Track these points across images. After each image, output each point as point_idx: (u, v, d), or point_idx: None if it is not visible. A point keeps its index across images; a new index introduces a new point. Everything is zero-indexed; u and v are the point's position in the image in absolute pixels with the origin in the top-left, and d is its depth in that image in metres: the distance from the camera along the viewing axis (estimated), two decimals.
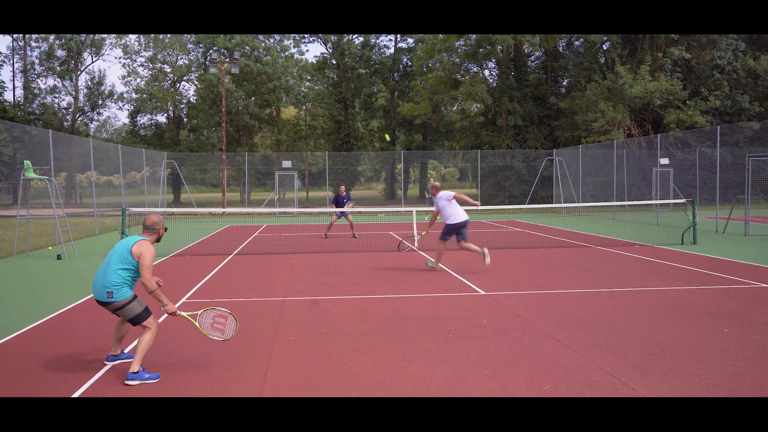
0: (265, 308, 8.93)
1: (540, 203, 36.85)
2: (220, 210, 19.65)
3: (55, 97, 57.51)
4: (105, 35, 57.67)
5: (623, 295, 9.63)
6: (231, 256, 15.15)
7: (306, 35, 55.71)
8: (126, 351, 6.44)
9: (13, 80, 64.03)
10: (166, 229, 6.32)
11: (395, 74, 54.61)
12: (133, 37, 55.89)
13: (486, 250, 12.08)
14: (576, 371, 5.90)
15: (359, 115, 55.95)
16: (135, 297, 5.95)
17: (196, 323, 6.08)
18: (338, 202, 19.97)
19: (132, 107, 57.20)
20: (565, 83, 46.36)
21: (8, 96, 57.11)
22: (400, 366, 6.10)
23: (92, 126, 73.45)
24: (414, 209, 16.44)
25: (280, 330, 7.60)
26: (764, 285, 10.40)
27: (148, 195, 31.47)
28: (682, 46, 37.88)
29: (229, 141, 53.79)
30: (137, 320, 5.93)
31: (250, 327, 7.76)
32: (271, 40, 55.21)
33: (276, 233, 21.86)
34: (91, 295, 9.15)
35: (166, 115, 57.66)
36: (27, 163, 14.52)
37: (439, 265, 12.65)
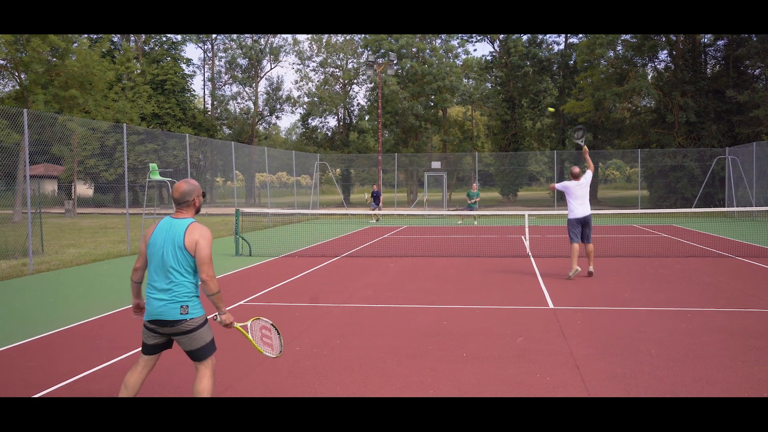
0: (309, 314, 8.81)
1: (715, 207, 33.71)
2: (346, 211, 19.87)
3: (238, 103, 61.65)
4: (282, 42, 60.86)
5: (712, 316, 8.41)
6: (336, 258, 15.23)
7: (473, 35, 55.24)
8: None
9: (204, 89, 69.38)
10: (204, 194, 4.76)
11: (564, 71, 52.51)
12: (306, 43, 58.47)
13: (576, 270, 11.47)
14: None
15: (527, 114, 54.47)
16: (206, 319, 4.61)
17: (250, 336, 4.92)
18: (375, 196, 29.96)
19: (304, 110, 59.86)
20: (757, 73, 42.06)
21: (197, 103, 61.94)
22: (373, 388, 5.69)
23: (283, 129, 78.17)
24: (527, 212, 15.54)
25: (298, 338, 7.43)
26: None
27: (298, 196, 32.61)
28: None
29: (395, 142, 54.67)
30: (204, 353, 4.53)
31: None
32: (437, 41, 55.33)
33: (405, 235, 21.74)
34: None
35: (336, 117, 59.73)
36: (153, 166, 15.53)
37: (576, 269, 11.50)
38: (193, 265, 4.44)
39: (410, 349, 6.94)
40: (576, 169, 11.75)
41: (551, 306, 9.22)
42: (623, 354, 6.66)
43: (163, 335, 4.52)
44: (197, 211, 4.68)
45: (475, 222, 28.19)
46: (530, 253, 15.11)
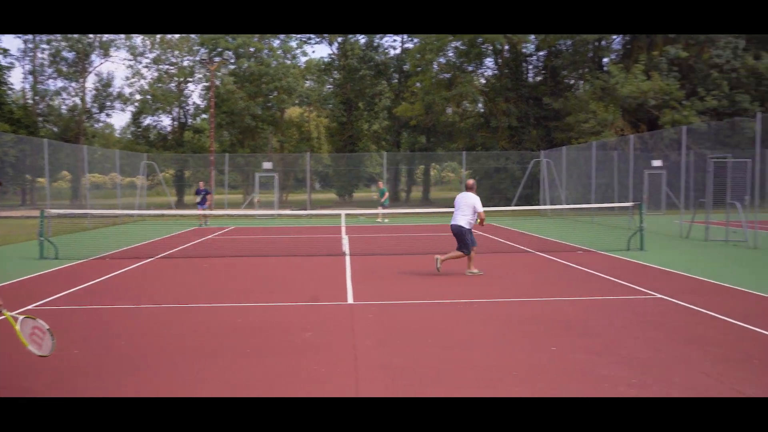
0: (101, 317, 8.51)
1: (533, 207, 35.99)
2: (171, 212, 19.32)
3: (63, 99, 58.06)
4: (113, 36, 58.01)
5: (496, 306, 9.02)
6: (150, 259, 14.75)
7: (311, 36, 55.47)
8: None
9: (24, 83, 64.75)
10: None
11: (398, 75, 54.06)
12: (138, 38, 56.10)
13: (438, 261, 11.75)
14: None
15: (363, 116, 55.53)
16: None
17: (17, 327, 5.42)
18: (198, 194, 26.04)
19: (135, 108, 57.44)
20: (572, 83, 45.46)
21: (16, 98, 57.61)
22: (133, 388, 5.59)
23: (118, 128, 74.41)
24: (343, 212, 15.86)
25: (80, 342, 7.15)
26: (659, 296, 9.67)
27: (121, 197, 31.24)
28: (679, 45, 36.65)
29: (231, 143, 53.77)
30: None
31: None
32: (276, 42, 55.06)
33: (231, 236, 21.48)
34: None
35: (170, 116, 57.87)
36: None
37: (472, 270, 11.91)
38: None
39: (193, 347, 6.87)
40: (469, 182, 12.16)
41: (350, 302, 9.47)
42: (401, 344, 6.98)
43: None
44: None
45: (386, 220, 28.88)
46: (347, 252, 15.43)
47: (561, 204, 30.91)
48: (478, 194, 12.20)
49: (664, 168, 31.05)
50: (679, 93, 35.44)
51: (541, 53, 45.21)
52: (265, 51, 53.63)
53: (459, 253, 11.82)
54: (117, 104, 59.82)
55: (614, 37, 42.15)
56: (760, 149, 16.78)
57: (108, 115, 65.10)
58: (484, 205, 12.11)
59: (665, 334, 7.34)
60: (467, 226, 11.72)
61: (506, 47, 42.81)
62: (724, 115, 35.36)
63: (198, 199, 25.95)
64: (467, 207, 11.71)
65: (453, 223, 11.85)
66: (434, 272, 12.24)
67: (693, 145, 29.69)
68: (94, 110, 59.32)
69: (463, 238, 11.73)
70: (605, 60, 42.46)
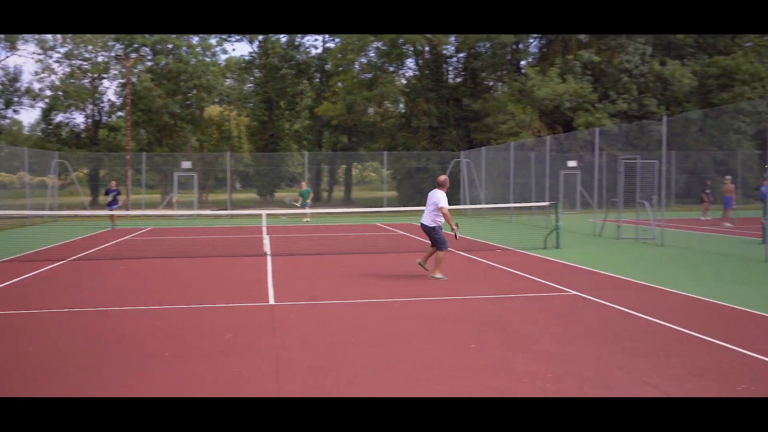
0: (8, 323, 8.15)
1: (453, 206, 36.51)
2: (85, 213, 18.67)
3: None
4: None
5: (417, 305, 9.14)
6: (61, 262, 14.21)
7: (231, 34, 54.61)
8: None
9: None
10: None
11: (320, 74, 53.91)
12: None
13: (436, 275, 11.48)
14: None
15: (285, 116, 55.08)
16: None
17: None
18: (108, 194, 24.25)
19: (45, 104, 55.19)
20: (491, 84, 46.37)
21: None
22: (38, 391, 5.41)
23: (27, 125, 71.24)
24: (265, 212, 15.73)
25: None
26: (573, 292, 10.01)
27: (31, 197, 30.00)
28: (592, 50, 38.02)
29: (148, 141, 52.37)
30: None
31: None
32: (195, 39, 53.91)
33: (149, 237, 20.94)
34: None
35: (84, 114, 55.88)
36: None
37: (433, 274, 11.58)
38: None
39: (112, 351, 6.69)
40: (440, 178, 11.83)
41: (271, 302, 9.40)
42: (323, 344, 6.98)
43: None
44: None
45: (307, 220, 28.98)
46: (268, 252, 15.29)
47: (480, 203, 31.53)
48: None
49: (578, 168, 32.05)
50: (592, 96, 36.73)
51: (461, 55, 45.91)
52: (184, 48, 52.44)
53: (432, 249, 11.68)
54: (25, 100, 57.38)
55: (531, 40, 43.40)
56: (666, 151, 17.51)
57: (15, 111, 62.31)
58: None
59: (579, 330, 7.61)
60: (431, 224, 11.49)
61: (427, 48, 43.33)
62: (633, 118, 36.85)
63: (109, 199, 24.33)
64: (431, 204, 11.50)
65: (422, 222, 11.67)
66: (355, 272, 12.31)
67: (605, 147, 30.81)
68: (0, 106, 56.70)
69: (431, 235, 11.56)
70: (522, 63, 43.64)
